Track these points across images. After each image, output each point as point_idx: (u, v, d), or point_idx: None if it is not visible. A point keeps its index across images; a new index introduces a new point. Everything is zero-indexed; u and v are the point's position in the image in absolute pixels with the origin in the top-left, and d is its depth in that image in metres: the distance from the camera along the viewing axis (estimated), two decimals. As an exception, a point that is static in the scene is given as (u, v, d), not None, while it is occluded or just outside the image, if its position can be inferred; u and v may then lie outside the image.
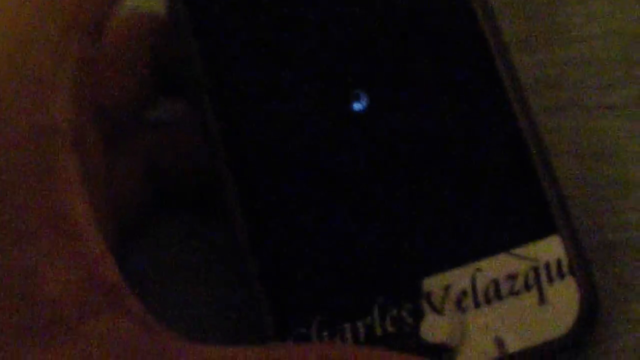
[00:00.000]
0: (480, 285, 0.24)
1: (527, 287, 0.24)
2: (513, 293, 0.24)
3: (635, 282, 0.27)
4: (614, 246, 0.27)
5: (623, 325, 0.26)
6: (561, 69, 0.30)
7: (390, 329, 0.24)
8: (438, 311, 0.24)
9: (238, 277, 0.27)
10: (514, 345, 0.24)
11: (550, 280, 0.24)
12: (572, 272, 0.24)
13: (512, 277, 0.24)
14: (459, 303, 0.24)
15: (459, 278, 0.24)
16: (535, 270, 0.24)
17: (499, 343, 0.24)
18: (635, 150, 0.28)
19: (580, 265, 0.24)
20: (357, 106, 0.26)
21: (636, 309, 0.26)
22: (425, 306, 0.24)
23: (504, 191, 0.25)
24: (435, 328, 0.24)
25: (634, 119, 0.29)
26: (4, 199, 0.20)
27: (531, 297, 0.24)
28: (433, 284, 0.24)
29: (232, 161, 0.26)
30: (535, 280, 0.24)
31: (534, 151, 0.25)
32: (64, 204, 0.21)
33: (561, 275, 0.24)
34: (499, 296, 0.24)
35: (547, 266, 0.24)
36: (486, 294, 0.24)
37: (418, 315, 0.24)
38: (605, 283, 0.26)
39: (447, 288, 0.24)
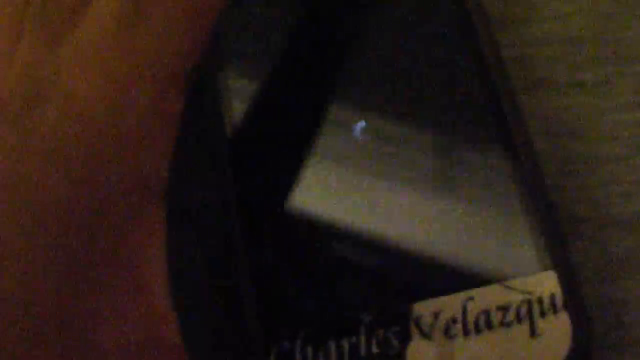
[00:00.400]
0: (471, 314, 0.24)
1: (519, 319, 0.23)
2: (504, 324, 0.23)
3: (603, 255, 0.27)
4: (581, 221, 0.27)
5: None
6: (534, 48, 0.30)
7: (375, 349, 0.23)
8: (426, 336, 0.23)
9: (226, 287, 0.26)
10: (501, 376, 0.23)
11: (543, 314, 0.24)
12: (565, 308, 0.24)
13: (504, 308, 0.24)
14: (447, 330, 0.23)
15: (450, 305, 0.24)
16: (528, 303, 0.24)
17: (487, 373, 0.23)
18: (604, 128, 0.28)
19: (575, 301, 0.24)
20: (357, 133, 0.26)
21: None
22: (414, 330, 0.24)
23: (502, 224, 0.25)
24: (421, 353, 0.23)
25: (605, 97, 0.29)
26: (87, 241, 0.20)
27: (522, 330, 0.23)
28: (423, 308, 0.24)
29: (234, 177, 0.26)
30: (528, 313, 0.24)
31: (536, 188, 0.25)
32: (141, 258, 0.20)
33: (554, 310, 0.24)
34: (489, 326, 0.23)
35: (541, 300, 0.24)
36: (476, 323, 0.24)
37: (405, 339, 0.23)
38: (574, 256, 0.27)
39: (437, 314, 0.24)
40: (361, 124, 0.26)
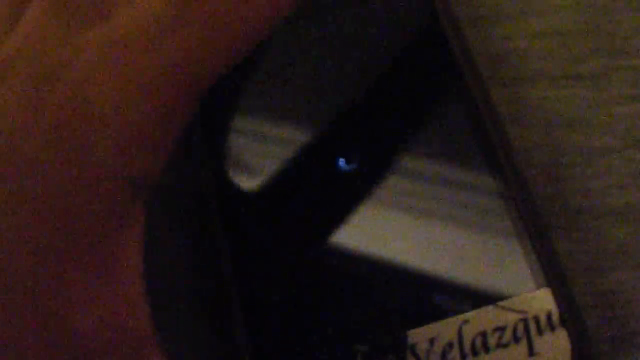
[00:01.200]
0: (467, 337, 0.23)
1: (516, 339, 0.23)
2: (501, 345, 0.23)
3: (597, 246, 0.27)
4: (576, 212, 0.27)
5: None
6: (530, 40, 0.30)
7: (373, 381, 0.23)
8: (423, 363, 0.23)
9: (220, 318, 0.26)
10: (501, 398, 0.23)
11: (540, 332, 0.23)
12: (563, 324, 0.23)
13: (500, 329, 0.23)
14: (444, 355, 0.23)
15: (445, 330, 0.23)
16: (525, 322, 0.23)
17: (486, 397, 0.23)
18: (599, 120, 0.28)
19: (572, 316, 0.23)
20: (345, 167, 0.26)
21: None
22: (410, 358, 0.23)
23: (493, 244, 0.24)
24: (420, 381, 0.23)
25: (600, 89, 0.29)
26: (68, 225, 0.20)
27: (520, 349, 0.23)
28: (418, 335, 0.23)
29: (224, 208, 0.25)
30: (525, 332, 0.23)
31: (525, 206, 0.25)
32: (119, 249, 0.21)
33: (551, 327, 0.23)
34: (486, 348, 0.23)
35: (537, 318, 0.23)
36: (473, 346, 0.23)
37: (402, 368, 0.23)
38: (568, 247, 0.27)
39: (432, 340, 0.23)
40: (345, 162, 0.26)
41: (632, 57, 0.29)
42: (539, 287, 0.24)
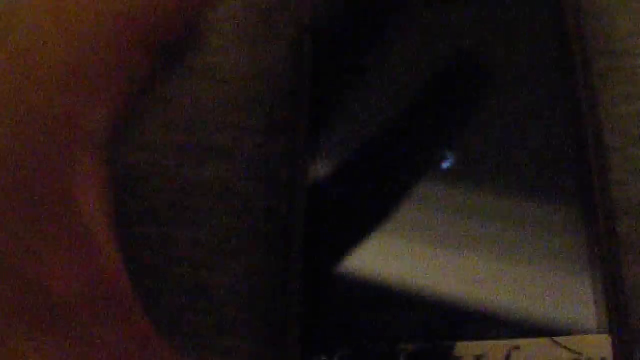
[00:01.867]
0: (514, 363, 0.23)
1: (564, 378, 0.23)
2: (547, 380, 0.23)
3: None
4: None
5: None
6: None
7: (410, 382, 0.23)
8: (464, 378, 0.23)
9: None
10: None
11: (590, 377, 0.23)
12: None
13: (550, 363, 0.23)
14: (487, 375, 0.23)
15: (494, 350, 0.23)
16: (577, 362, 0.23)
17: None
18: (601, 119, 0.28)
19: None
20: (444, 165, 0.26)
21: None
22: (452, 369, 0.23)
23: (564, 278, 0.24)
24: (456, 394, 0.23)
25: (600, 90, 0.28)
26: (21, 183, 0.20)
27: (565, 389, 0.23)
28: (466, 349, 0.23)
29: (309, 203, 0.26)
30: (574, 373, 0.23)
31: (607, 245, 0.24)
32: (82, 202, 0.20)
33: (602, 376, 0.23)
34: (531, 379, 0.23)
35: (590, 361, 0.23)
36: (518, 374, 0.23)
37: (442, 377, 0.23)
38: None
39: (479, 357, 0.23)
40: (448, 158, 0.26)
41: (632, 57, 0.29)
42: (599, 332, 0.23)
